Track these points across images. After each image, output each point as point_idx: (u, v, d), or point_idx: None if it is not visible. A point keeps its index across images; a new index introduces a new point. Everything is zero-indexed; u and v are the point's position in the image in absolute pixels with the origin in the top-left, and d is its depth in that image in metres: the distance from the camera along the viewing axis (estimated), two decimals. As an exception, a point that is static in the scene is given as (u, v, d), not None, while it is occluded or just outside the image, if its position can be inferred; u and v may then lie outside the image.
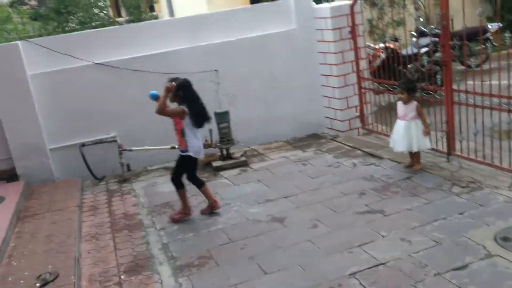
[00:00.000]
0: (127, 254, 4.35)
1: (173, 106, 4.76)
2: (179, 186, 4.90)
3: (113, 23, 9.34)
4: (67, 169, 6.33)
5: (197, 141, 4.75)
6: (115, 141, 6.29)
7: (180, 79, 4.65)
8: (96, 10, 9.43)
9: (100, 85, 6.37)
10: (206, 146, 5.89)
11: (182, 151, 4.78)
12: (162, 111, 4.57)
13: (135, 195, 5.77)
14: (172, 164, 6.58)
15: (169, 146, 6.32)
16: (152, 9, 13.45)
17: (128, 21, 9.45)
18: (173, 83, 4.54)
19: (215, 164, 6.32)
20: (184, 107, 4.58)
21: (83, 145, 6.24)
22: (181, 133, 4.69)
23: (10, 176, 6.16)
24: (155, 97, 4.70)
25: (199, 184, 4.96)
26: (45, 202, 5.48)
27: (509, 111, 4.85)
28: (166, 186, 5.89)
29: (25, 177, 6.08)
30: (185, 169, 4.87)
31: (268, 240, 4.31)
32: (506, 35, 4.68)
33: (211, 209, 4.98)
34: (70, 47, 6.22)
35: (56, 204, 5.41)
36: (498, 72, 4.87)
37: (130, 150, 6.31)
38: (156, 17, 11.02)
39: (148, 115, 6.50)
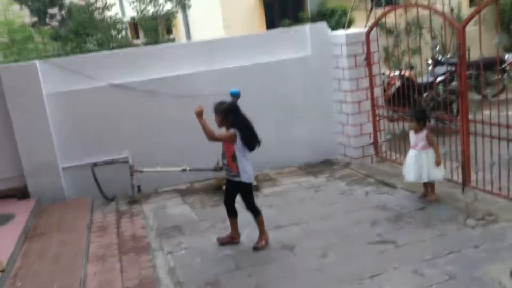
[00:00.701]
0: (133, 277, 4.29)
1: (220, 130, 4.53)
2: (258, 212, 4.66)
3: (130, 45, 9.47)
4: (79, 188, 6.33)
5: (249, 165, 4.54)
6: (127, 161, 6.29)
7: (227, 102, 4.45)
8: (114, 32, 9.59)
9: (115, 106, 6.41)
10: (218, 169, 5.84)
11: (234, 176, 4.55)
12: (212, 137, 4.34)
13: (144, 217, 5.73)
14: (183, 186, 6.64)
15: (180, 168, 6.31)
16: (169, 32, 13.66)
17: (145, 44, 9.58)
18: (200, 105, 4.35)
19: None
20: (235, 131, 4.40)
21: (94, 164, 6.25)
22: (232, 158, 4.45)
23: (22, 193, 6.16)
24: (236, 95, 4.56)
25: (258, 213, 4.67)
26: (54, 221, 5.47)
27: (526, 143, 4.75)
28: (175, 209, 5.87)
29: (36, 195, 6.10)
30: (242, 197, 4.63)
31: (277, 268, 4.22)
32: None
33: (232, 240, 4.76)
34: (87, 67, 6.30)
35: (65, 223, 5.39)
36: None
37: (141, 171, 6.31)
38: (173, 40, 11.16)
39: (161, 136, 6.59)
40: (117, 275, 4.33)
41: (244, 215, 5.44)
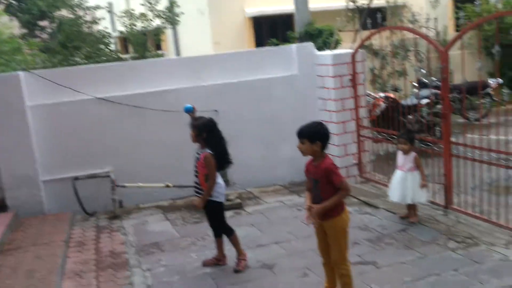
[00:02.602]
0: (109, 294, 4.20)
1: (194, 146, 4.48)
2: (229, 232, 4.54)
3: (118, 59, 9.45)
4: (59, 202, 6.23)
5: (219, 184, 4.41)
6: (109, 176, 6.22)
7: (204, 118, 4.43)
8: (102, 46, 9.57)
9: (99, 120, 6.37)
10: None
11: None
12: (212, 185, 4.29)
13: (125, 232, 5.65)
14: (165, 202, 6.58)
15: (163, 184, 6.26)
16: (159, 47, 13.70)
17: (134, 58, 9.58)
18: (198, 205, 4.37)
19: (208, 205, 6.21)
20: (211, 152, 4.31)
21: (76, 178, 6.17)
22: (205, 178, 4.33)
23: (-1, 206, 6.07)
24: (190, 111, 4.55)
25: (230, 233, 4.55)
26: (31, 235, 5.36)
27: (507, 167, 4.79)
28: (156, 225, 5.79)
29: (15, 208, 5.98)
30: (213, 216, 4.51)
31: (256, 288, 4.17)
32: (504, 91, 4.69)
33: (217, 262, 4.63)
34: (72, 80, 6.26)
35: (42, 237, 5.29)
36: (497, 127, 4.85)
37: (124, 186, 6.23)
38: (160, 56, 11.17)
39: (145, 151, 6.54)
40: (93, 292, 4.24)
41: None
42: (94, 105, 6.33)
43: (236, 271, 4.47)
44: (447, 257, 4.45)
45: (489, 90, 10.07)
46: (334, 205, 3.55)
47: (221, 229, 4.53)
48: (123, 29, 10.27)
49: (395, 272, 4.23)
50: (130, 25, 10.04)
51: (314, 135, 3.58)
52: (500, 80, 8.82)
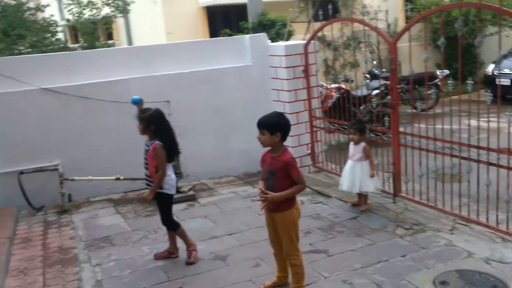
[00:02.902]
0: (56, 291, 4.08)
1: (144, 138, 4.40)
2: (174, 227, 4.47)
3: (64, 48, 9.11)
4: (4, 197, 5.96)
5: (169, 176, 4.33)
6: (57, 169, 6.01)
7: (151, 110, 4.31)
8: (48, 35, 9.19)
9: (45, 111, 6.13)
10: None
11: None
12: (162, 176, 4.21)
13: (74, 227, 5.49)
14: (116, 195, 6.43)
15: (114, 177, 6.11)
16: (110, 37, 13.34)
17: (83, 48, 9.26)
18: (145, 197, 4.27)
19: (161, 197, 6.13)
20: (161, 143, 4.21)
21: (21, 172, 5.94)
22: (156, 170, 4.25)
23: None
24: (138, 102, 4.48)
25: (175, 227, 4.48)
26: (-28, 233, 5.13)
27: (451, 155, 4.97)
28: (107, 219, 5.66)
29: (-45, 204, 5.70)
30: (160, 208, 4.41)
31: (208, 280, 4.15)
32: (449, 82, 4.84)
33: (169, 255, 4.56)
34: (16, 70, 5.99)
35: (-15, 234, 5.06)
36: (442, 117, 5.00)
37: (72, 180, 6.04)
38: (110, 45, 10.83)
39: (95, 144, 6.36)
40: (39, 289, 4.10)
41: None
42: (39, 96, 6.08)
43: (189, 263, 4.42)
44: (395, 244, 4.58)
45: (437, 81, 10.43)
46: (288, 198, 3.57)
47: (166, 223, 4.46)
48: (70, 17, 9.90)
49: (345, 260, 4.32)
50: (78, 13, 9.68)
51: (274, 126, 3.55)
52: (447, 71, 9.12)
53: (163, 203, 4.39)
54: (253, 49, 7.06)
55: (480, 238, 4.54)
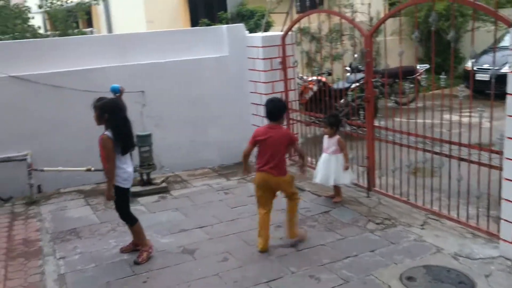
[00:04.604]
0: (17, 285, 3.97)
1: (100, 128, 4.24)
2: (131, 221, 4.32)
3: (35, 35, 8.88)
4: (-30, 187, 5.83)
5: (123, 169, 4.18)
6: (25, 159, 5.87)
7: (106, 99, 4.19)
8: (19, 21, 8.95)
9: (14, 100, 5.97)
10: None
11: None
12: (111, 167, 4.07)
13: (41, 219, 5.36)
14: (87, 187, 6.31)
15: (84, 168, 5.98)
16: (90, 24, 13.08)
17: (57, 35, 9.04)
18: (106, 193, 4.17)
19: (132, 189, 5.98)
20: (109, 134, 4.08)
21: (-12, 162, 5.79)
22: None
23: None
24: (117, 91, 4.40)
25: (131, 221, 4.32)
26: None
27: (424, 150, 4.94)
28: (76, 211, 5.55)
29: None
30: (115, 202, 4.26)
31: (174, 274, 4.07)
32: (423, 76, 4.80)
33: (135, 248, 4.42)
34: (-17, 57, 5.82)
35: None
36: (415, 111, 4.96)
37: (42, 170, 5.91)
38: (84, 33, 10.51)
39: (66, 134, 6.21)
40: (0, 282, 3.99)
41: (148, 216, 5.23)
42: (8, 84, 5.92)
43: (136, 263, 4.22)
44: (365, 239, 4.54)
45: (417, 75, 10.41)
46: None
47: (122, 216, 4.33)
48: (43, 4, 9.64)
49: (314, 255, 4.27)
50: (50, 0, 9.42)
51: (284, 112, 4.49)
52: (427, 66, 9.10)
53: (117, 196, 4.22)
54: (231, 40, 6.95)
55: (450, 233, 4.52)
